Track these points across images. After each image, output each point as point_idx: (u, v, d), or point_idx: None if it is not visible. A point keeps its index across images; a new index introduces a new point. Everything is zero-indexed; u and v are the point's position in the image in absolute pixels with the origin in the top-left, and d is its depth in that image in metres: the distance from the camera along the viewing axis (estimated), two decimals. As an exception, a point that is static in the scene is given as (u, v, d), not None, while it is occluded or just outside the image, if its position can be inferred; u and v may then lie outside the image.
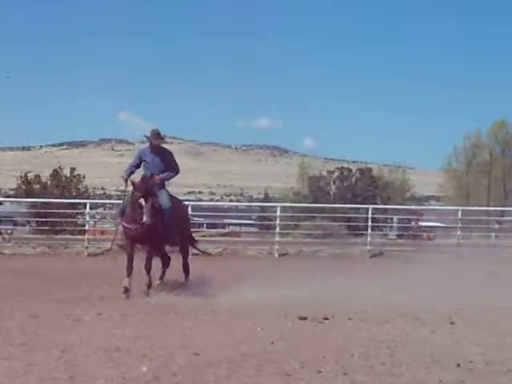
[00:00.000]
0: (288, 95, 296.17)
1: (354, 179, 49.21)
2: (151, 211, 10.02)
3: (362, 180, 48.54)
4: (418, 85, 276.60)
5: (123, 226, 10.55)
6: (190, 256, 11.54)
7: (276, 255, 19.05)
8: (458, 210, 21.26)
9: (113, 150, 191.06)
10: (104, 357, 6.21)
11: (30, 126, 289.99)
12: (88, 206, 21.00)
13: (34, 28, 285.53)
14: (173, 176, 10.95)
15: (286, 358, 6.22)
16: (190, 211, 17.56)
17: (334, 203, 39.80)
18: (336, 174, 50.18)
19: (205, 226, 30.63)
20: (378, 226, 25.28)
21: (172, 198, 10.89)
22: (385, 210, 30.85)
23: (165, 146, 11.08)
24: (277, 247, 19.35)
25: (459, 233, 20.01)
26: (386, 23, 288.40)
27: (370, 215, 20.22)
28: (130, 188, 10.45)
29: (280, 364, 6.03)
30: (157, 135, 10.79)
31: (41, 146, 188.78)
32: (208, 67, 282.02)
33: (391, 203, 43.37)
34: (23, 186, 32.89)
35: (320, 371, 5.83)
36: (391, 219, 31.82)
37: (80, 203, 25.55)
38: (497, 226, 26.55)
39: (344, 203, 39.10)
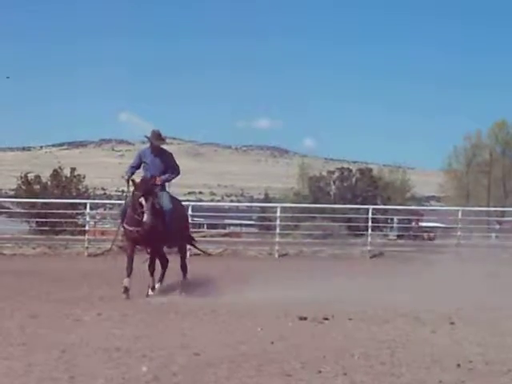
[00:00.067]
0: (288, 95, 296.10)
1: (354, 179, 49.15)
2: (152, 211, 10.03)
3: (362, 180, 48.48)
4: (418, 85, 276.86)
5: (124, 228, 10.55)
6: (187, 256, 11.56)
7: (276, 255, 19.05)
8: (458, 210, 21.26)
9: (113, 150, 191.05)
10: (104, 357, 6.21)
11: (30, 126, 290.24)
12: (88, 207, 20.99)
13: (34, 28, 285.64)
14: (173, 177, 10.96)
15: (286, 359, 6.22)
16: (190, 211, 17.57)
17: (334, 203, 39.79)
18: (336, 174, 50.12)
19: (205, 226, 30.66)
20: (378, 226, 25.28)
21: (172, 199, 10.89)
22: (385, 211, 30.86)
23: (164, 146, 11.08)
24: (277, 247, 19.35)
25: (459, 233, 19.99)
26: (386, 23, 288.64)
27: (370, 215, 20.21)
28: (132, 189, 10.44)
29: (280, 364, 6.03)
30: (157, 136, 10.78)
31: (41, 147, 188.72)
32: (208, 67, 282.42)
33: (391, 203, 43.32)
34: (23, 187, 32.86)
35: (320, 371, 5.83)
36: (391, 219, 31.81)
37: (80, 203, 25.52)
38: (497, 227, 26.57)
39: (344, 203, 39.11)
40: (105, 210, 36.08)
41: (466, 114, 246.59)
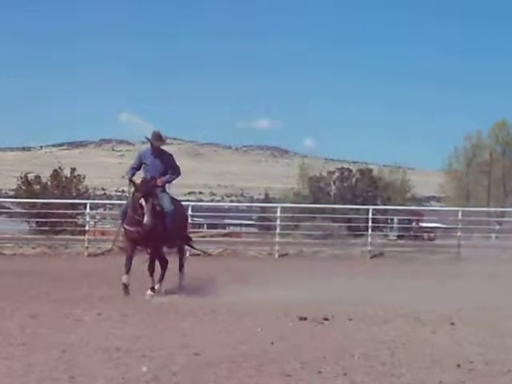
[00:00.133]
0: (288, 95, 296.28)
1: (354, 180, 49.17)
2: (152, 212, 10.03)
3: (363, 180, 48.50)
4: (418, 85, 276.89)
5: (124, 229, 10.55)
6: (186, 256, 11.59)
7: (276, 256, 19.06)
8: (458, 210, 21.27)
9: (113, 150, 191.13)
10: (104, 357, 6.20)
11: (30, 126, 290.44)
12: (88, 207, 21.02)
13: (34, 28, 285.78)
14: (174, 178, 10.95)
15: (286, 359, 6.22)
16: (190, 212, 17.58)
17: (335, 204, 39.83)
18: (336, 174, 50.13)
19: (205, 226, 30.69)
20: (378, 226, 25.28)
21: (173, 199, 10.90)
22: (385, 211, 30.89)
23: (165, 147, 11.07)
24: (277, 248, 19.36)
25: (459, 233, 20.00)
26: (386, 23, 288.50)
27: (370, 216, 20.22)
28: (132, 189, 10.45)
29: (280, 364, 6.03)
30: (158, 137, 10.78)
31: (41, 147, 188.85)
32: (208, 67, 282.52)
33: (391, 204, 43.36)
34: (23, 187, 32.88)
35: (320, 372, 5.83)
36: (391, 220, 31.83)
37: (80, 203, 25.57)
38: (497, 227, 26.55)
39: (344, 204, 39.15)
40: (105, 210, 36.16)
41: (466, 114, 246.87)
